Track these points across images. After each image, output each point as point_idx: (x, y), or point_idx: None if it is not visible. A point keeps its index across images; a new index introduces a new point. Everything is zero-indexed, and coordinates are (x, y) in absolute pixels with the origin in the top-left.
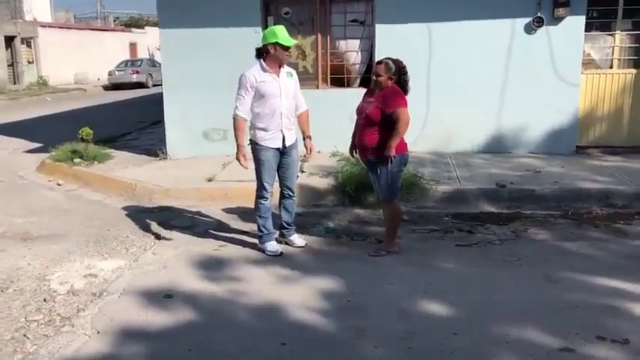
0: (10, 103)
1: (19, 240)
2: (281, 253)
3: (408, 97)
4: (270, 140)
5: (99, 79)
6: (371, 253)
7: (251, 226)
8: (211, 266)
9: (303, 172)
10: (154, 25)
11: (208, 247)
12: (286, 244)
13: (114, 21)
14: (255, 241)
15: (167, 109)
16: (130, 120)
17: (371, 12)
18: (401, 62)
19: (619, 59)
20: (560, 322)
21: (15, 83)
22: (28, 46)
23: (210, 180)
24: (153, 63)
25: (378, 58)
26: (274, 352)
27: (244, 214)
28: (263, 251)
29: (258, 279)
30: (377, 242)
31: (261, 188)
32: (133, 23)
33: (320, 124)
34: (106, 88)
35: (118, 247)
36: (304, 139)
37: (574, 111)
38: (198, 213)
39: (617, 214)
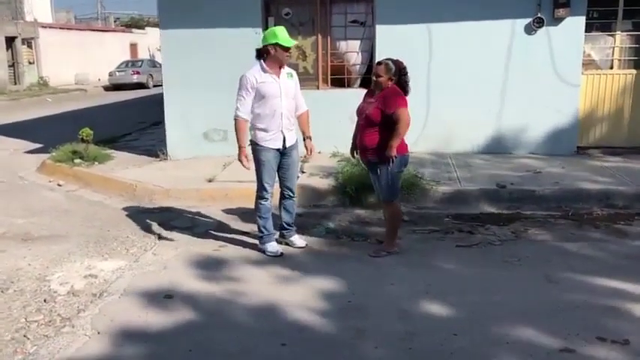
0: (11, 104)
1: (19, 240)
2: (281, 253)
3: (408, 98)
4: (271, 141)
5: (99, 79)
6: (371, 253)
7: (251, 227)
8: (211, 267)
9: (303, 172)
10: (155, 25)
11: (208, 247)
12: (286, 244)
13: (114, 21)
14: (256, 241)
15: (167, 109)
16: (131, 120)
17: (371, 13)
18: (401, 63)
19: (619, 60)
20: (561, 323)
21: (16, 84)
22: (29, 46)
23: (210, 180)
24: (153, 63)
25: (378, 58)
26: (274, 353)
27: (244, 214)
28: (263, 252)
29: (258, 279)
30: (377, 243)
31: (261, 189)
32: (134, 24)
33: (320, 125)
34: (107, 88)
35: (118, 248)
36: (304, 139)
37: (574, 111)
38: (199, 213)
39: (617, 214)
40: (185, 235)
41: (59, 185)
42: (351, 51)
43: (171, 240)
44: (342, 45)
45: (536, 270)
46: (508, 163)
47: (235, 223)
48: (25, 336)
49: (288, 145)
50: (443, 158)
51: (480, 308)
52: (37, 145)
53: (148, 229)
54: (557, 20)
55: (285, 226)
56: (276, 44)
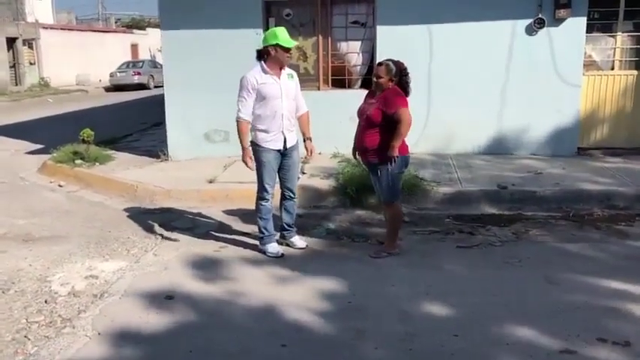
0: (12, 105)
1: (20, 241)
2: (282, 254)
3: (408, 99)
4: (272, 142)
5: (100, 80)
6: (372, 254)
7: (252, 228)
8: (212, 267)
9: (304, 173)
10: (156, 26)
11: (209, 248)
12: (287, 245)
13: (115, 22)
14: (256, 242)
15: (168, 110)
16: (132, 121)
17: (372, 13)
18: (402, 64)
19: (620, 61)
20: (561, 324)
21: (17, 84)
22: (30, 47)
23: (211, 181)
24: (154, 64)
25: (379, 59)
26: (275, 354)
27: (245, 215)
28: (264, 253)
29: (258, 280)
30: (378, 244)
31: (262, 190)
32: (135, 24)
33: (321, 126)
34: (108, 89)
35: (119, 249)
36: (304, 140)
37: (575, 112)
38: (200, 214)
39: (618, 215)
40: (186, 236)
41: (60, 186)
42: (352, 52)
43: (172, 241)
44: (343, 46)
45: (537, 271)
46: (509, 164)
47: (236, 223)
48: (25, 337)
49: (288, 146)
50: (443, 159)
51: (480, 309)
52: (38, 146)
53: (148, 230)
54: (558, 21)
55: (286, 227)
56: (277, 45)
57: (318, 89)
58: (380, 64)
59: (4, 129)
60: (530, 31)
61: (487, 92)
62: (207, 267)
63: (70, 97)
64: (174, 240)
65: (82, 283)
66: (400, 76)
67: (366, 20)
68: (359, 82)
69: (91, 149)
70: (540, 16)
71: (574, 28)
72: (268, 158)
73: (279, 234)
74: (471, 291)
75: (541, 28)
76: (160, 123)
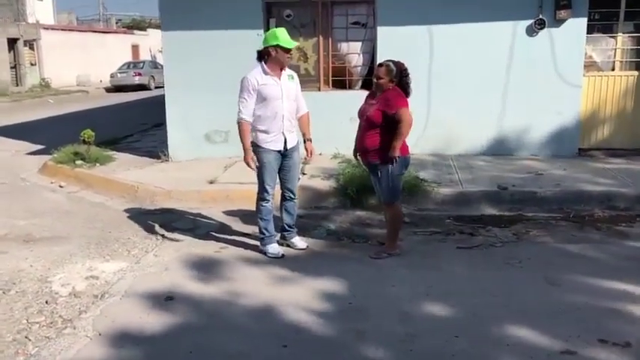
0: (13, 105)
1: (21, 242)
2: (282, 255)
3: (409, 99)
4: (272, 143)
5: (101, 81)
6: (372, 255)
7: (252, 229)
8: (213, 268)
9: (304, 174)
10: (156, 27)
11: (210, 249)
12: (287, 246)
13: (116, 23)
14: (257, 243)
15: (169, 111)
16: (132, 122)
17: (372, 14)
18: (402, 65)
19: (621, 61)
20: (562, 325)
21: (17, 85)
22: (31, 48)
23: (211, 182)
24: (155, 65)
25: (379, 60)
26: (275, 354)
27: (246, 216)
28: (264, 253)
29: (259, 281)
30: (378, 244)
31: (262, 190)
32: (135, 25)
33: (321, 127)
34: (108, 90)
35: (119, 249)
36: (305, 141)
37: (576, 113)
38: (200, 215)
39: (618, 216)
40: (186, 237)
41: (61, 187)
42: (353, 52)
43: (172, 241)
44: (344, 46)
45: (538, 272)
46: (509, 165)
47: (236, 224)
48: (26, 337)
49: (289, 146)
50: (444, 160)
51: (480, 310)
52: (39, 147)
53: (149, 231)
54: (558, 22)
55: (286, 227)
56: (277, 46)
57: (319, 90)
58: (380, 64)
59: (5, 130)
60: (530, 31)
61: (488, 93)
62: (207, 268)
63: (71, 97)
64: (175, 241)
65: (83, 284)
66: (401, 76)
67: (366, 21)
68: (359, 83)
69: (92, 150)
70: (541, 16)
71: (574, 29)
72: (269, 159)
73: (279, 235)
74: (472, 292)
75: (542, 28)
76: (160, 124)
